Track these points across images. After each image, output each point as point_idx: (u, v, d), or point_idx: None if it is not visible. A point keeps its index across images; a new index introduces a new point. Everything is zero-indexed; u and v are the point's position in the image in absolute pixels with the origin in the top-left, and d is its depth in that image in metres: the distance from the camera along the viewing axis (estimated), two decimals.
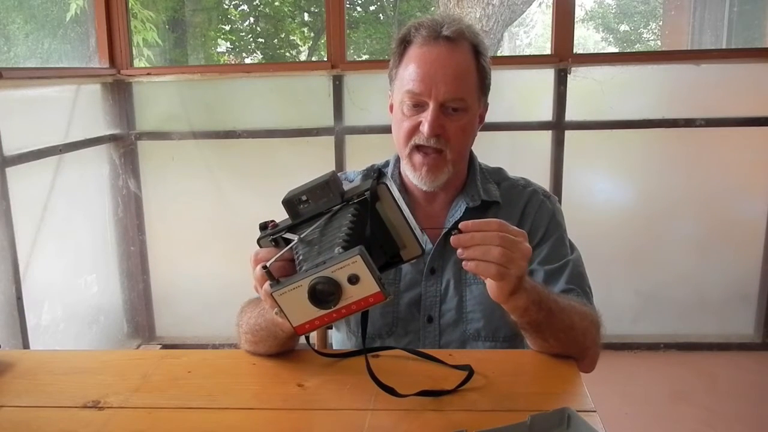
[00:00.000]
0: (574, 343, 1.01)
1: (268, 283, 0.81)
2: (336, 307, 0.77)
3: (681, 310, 2.91)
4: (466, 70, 1.14)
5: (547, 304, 0.96)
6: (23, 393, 0.97)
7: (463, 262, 0.88)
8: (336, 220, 0.86)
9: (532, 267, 1.16)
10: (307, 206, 0.89)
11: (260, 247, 0.93)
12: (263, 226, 0.93)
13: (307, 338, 1.04)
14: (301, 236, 0.86)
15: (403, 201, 0.92)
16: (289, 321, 0.78)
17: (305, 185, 0.91)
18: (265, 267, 0.79)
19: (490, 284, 0.91)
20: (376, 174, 0.90)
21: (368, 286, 0.75)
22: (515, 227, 0.89)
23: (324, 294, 0.76)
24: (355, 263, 0.74)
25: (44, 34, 2.88)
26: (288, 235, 0.89)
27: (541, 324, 0.97)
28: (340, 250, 0.77)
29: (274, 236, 0.91)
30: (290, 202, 0.89)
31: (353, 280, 0.75)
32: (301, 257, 0.84)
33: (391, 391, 0.88)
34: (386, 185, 0.88)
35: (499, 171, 1.29)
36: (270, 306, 0.88)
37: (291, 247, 0.86)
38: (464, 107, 1.14)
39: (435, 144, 1.13)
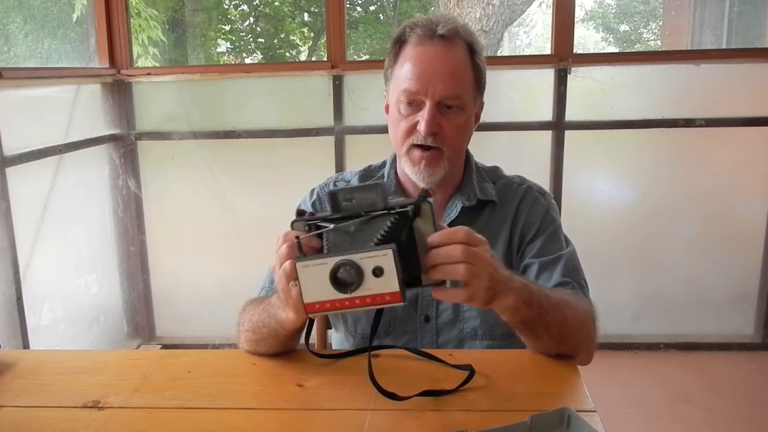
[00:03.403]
0: (568, 338, 1.01)
1: (288, 262, 0.83)
2: (351, 295, 0.77)
3: (681, 310, 2.91)
4: (461, 68, 1.14)
5: (538, 301, 0.95)
6: (23, 393, 0.97)
7: (432, 290, 0.87)
8: (373, 223, 0.87)
9: (526, 261, 1.17)
10: (350, 203, 0.89)
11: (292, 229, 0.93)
12: (300, 213, 0.93)
13: (307, 339, 1.04)
14: (336, 226, 0.87)
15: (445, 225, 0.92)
16: (302, 297, 0.79)
17: (354, 185, 0.92)
18: (297, 237, 0.81)
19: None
20: (424, 193, 0.90)
21: (390, 283, 0.77)
22: (478, 236, 0.87)
23: (345, 277, 0.77)
24: (386, 256, 0.76)
25: (44, 34, 2.88)
26: (323, 224, 0.89)
27: (534, 322, 0.97)
28: (372, 245, 0.79)
29: (309, 222, 0.91)
30: (334, 195, 0.90)
31: (378, 272, 0.76)
32: (330, 245, 0.84)
33: (392, 396, 0.88)
34: (431, 204, 0.88)
35: (495, 170, 1.29)
36: (284, 285, 0.88)
37: (323, 233, 0.87)
38: (461, 105, 1.14)
39: (432, 143, 1.13)
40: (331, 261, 0.77)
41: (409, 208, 0.87)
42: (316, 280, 0.78)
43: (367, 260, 0.76)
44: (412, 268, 0.85)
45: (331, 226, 0.87)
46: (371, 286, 0.77)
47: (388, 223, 0.85)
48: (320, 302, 0.78)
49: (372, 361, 0.92)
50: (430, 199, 0.89)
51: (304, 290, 0.79)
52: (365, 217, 0.88)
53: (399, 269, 0.77)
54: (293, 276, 0.80)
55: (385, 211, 0.87)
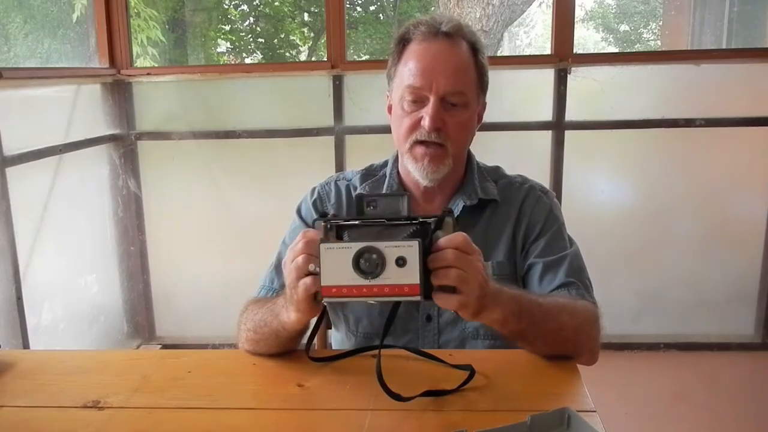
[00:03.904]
0: (566, 342, 1.01)
1: (302, 257, 0.84)
2: (370, 282, 0.78)
3: (681, 310, 2.91)
4: (465, 65, 1.15)
5: (528, 312, 0.95)
6: (23, 393, 0.97)
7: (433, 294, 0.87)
8: (395, 229, 0.88)
9: (530, 261, 1.17)
10: (374, 209, 0.91)
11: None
12: (323, 214, 0.94)
13: (309, 345, 1.03)
14: (359, 224, 0.88)
15: None
16: (320, 278, 0.80)
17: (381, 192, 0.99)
18: (326, 222, 0.84)
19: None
20: (448, 209, 0.91)
21: (410, 274, 0.78)
22: (472, 245, 0.86)
23: (367, 263, 0.78)
24: (411, 248, 0.78)
25: (44, 34, 2.88)
26: (345, 224, 0.91)
27: (524, 332, 0.97)
28: (398, 238, 0.81)
29: (331, 222, 0.91)
30: (360, 198, 0.92)
31: (401, 262, 0.78)
32: (352, 240, 0.85)
33: (397, 397, 0.88)
34: (453, 218, 0.89)
35: (496, 169, 1.29)
36: (292, 279, 0.88)
37: (345, 231, 0.88)
38: (464, 102, 1.14)
39: (436, 138, 1.13)
40: (356, 246, 0.78)
41: (431, 220, 0.88)
42: (337, 264, 0.78)
43: (391, 249, 0.78)
44: (428, 279, 0.84)
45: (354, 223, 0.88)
46: (391, 276, 0.78)
47: (410, 230, 0.86)
48: (338, 286, 0.79)
49: (372, 361, 0.92)
50: (454, 215, 0.90)
51: (324, 273, 0.79)
52: (387, 223, 0.89)
53: (422, 263, 0.77)
54: (304, 272, 0.82)
55: (408, 221, 0.88)
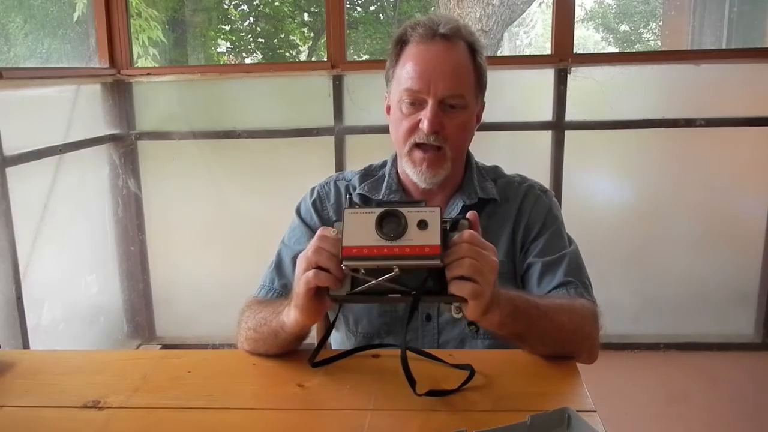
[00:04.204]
0: (565, 343, 1.01)
1: (312, 249, 0.85)
2: (392, 243, 0.81)
3: (681, 310, 2.90)
4: (463, 67, 1.15)
5: (525, 313, 0.95)
6: (23, 393, 0.97)
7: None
8: None
9: (530, 260, 1.17)
10: None
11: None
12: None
13: (313, 355, 1.02)
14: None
15: None
16: (342, 239, 0.82)
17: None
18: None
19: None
20: (463, 216, 0.92)
21: (431, 236, 0.81)
22: (484, 241, 0.87)
23: (390, 225, 0.81)
24: (433, 213, 0.82)
25: (44, 34, 2.88)
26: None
27: (521, 333, 0.97)
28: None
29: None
30: (380, 205, 0.94)
31: (422, 225, 0.81)
32: None
33: (413, 384, 0.88)
34: (469, 221, 0.90)
35: (495, 169, 1.30)
36: (299, 271, 0.88)
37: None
38: (462, 104, 1.14)
39: (434, 141, 1.13)
40: (379, 210, 0.82)
41: (447, 220, 0.89)
42: (359, 227, 0.82)
43: (414, 214, 0.82)
44: (444, 279, 0.85)
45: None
46: (413, 237, 0.81)
47: None
48: (358, 246, 0.81)
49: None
50: (469, 217, 0.91)
51: (346, 233, 0.82)
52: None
53: (443, 229, 0.81)
54: (312, 265, 0.84)
55: None
